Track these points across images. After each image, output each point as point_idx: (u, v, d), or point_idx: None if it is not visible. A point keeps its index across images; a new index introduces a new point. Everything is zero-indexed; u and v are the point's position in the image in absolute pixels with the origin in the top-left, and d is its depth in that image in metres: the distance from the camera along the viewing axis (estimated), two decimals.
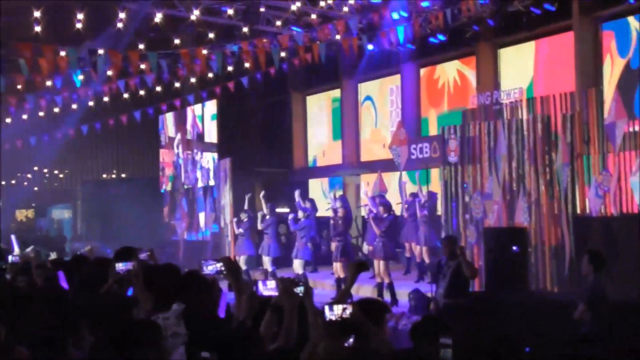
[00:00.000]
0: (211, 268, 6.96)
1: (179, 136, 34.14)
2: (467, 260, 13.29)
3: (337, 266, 20.18)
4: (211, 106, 30.93)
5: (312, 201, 24.21)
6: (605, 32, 21.12)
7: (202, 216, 30.95)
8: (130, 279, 7.62)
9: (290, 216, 22.33)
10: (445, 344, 5.68)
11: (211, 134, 31.37)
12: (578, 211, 16.10)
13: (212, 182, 30.44)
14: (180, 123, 33.93)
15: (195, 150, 32.46)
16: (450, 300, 12.58)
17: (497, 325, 12.88)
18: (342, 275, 19.54)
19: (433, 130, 25.40)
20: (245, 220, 23.89)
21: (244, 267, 23.29)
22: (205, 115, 31.78)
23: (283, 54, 21.94)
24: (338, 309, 5.75)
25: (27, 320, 6.56)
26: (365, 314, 5.97)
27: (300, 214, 22.06)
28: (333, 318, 5.74)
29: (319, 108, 32.37)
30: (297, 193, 23.35)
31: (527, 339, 6.86)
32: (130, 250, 8.56)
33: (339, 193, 25.11)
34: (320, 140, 32.12)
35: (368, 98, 29.77)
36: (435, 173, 20.31)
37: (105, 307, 6.67)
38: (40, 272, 10.22)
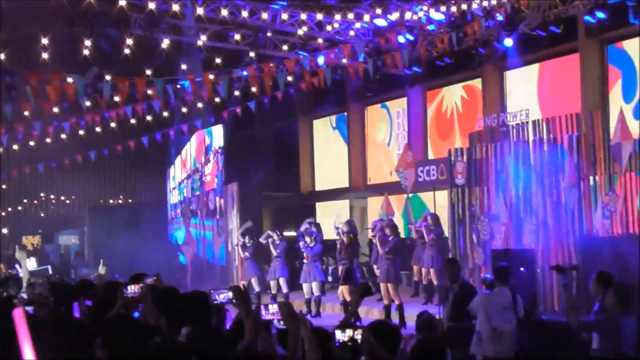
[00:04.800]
0: (222, 297, 7.00)
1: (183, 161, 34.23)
2: None
3: (343, 289, 20.16)
4: (218, 131, 30.91)
5: (318, 225, 24.25)
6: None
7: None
8: (138, 301, 7.68)
9: (301, 243, 22.29)
10: None
11: (217, 159, 31.36)
12: (585, 232, 16.10)
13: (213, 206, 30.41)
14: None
15: (199, 175, 32.45)
16: (454, 323, 12.48)
17: None
18: (347, 299, 19.49)
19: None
20: (250, 244, 23.90)
21: (257, 289, 23.28)
22: (212, 141, 31.79)
23: (290, 79, 21.98)
24: (349, 331, 5.76)
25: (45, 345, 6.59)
26: (376, 337, 5.99)
27: (308, 239, 22.02)
28: (345, 339, 5.75)
29: (326, 132, 32.46)
30: (305, 223, 23.24)
31: None
32: (139, 275, 8.73)
33: (345, 218, 24.93)
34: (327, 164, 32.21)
35: (375, 121, 29.88)
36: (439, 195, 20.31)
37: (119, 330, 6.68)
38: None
